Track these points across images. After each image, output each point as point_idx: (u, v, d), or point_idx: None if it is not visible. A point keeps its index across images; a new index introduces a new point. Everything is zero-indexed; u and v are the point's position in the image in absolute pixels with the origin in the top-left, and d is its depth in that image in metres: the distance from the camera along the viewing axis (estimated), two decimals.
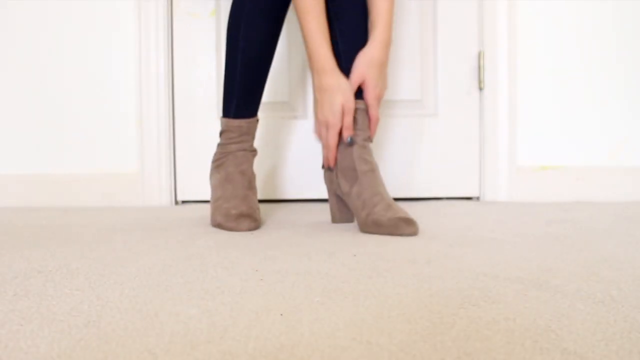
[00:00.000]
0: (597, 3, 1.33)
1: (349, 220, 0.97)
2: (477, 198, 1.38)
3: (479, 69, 1.36)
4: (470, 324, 0.42)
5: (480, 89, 1.37)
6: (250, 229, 0.89)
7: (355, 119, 0.91)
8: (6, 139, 1.35)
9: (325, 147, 0.91)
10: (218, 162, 0.98)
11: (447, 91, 1.37)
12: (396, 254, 0.69)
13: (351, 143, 0.90)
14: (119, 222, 1.01)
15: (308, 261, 0.65)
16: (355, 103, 0.90)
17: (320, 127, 0.91)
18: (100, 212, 1.19)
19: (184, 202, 1.37)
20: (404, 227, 0.83)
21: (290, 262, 0.65)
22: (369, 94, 0.91)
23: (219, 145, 0.99)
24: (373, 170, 0.90)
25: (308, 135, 1.37)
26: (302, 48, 1.35)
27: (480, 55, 1.36)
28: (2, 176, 1.34)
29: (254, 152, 1.00)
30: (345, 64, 0.92)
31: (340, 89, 0.88)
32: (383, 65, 0.92)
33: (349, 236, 0.84)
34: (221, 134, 0.99)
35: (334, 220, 0.97)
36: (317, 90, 0.91)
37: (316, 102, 0.91)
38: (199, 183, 1.35)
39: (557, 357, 0.35)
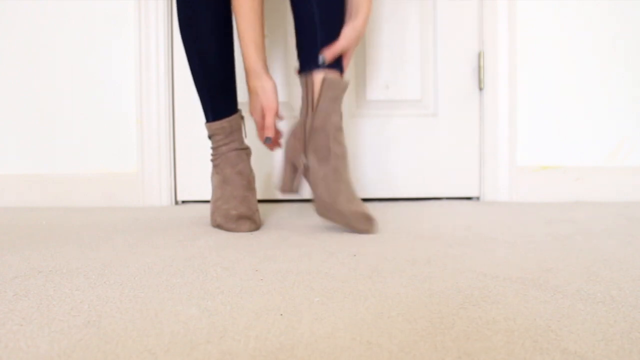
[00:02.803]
0: (597, 3, 1.33)
1: (296, 191, 0.95)
2: (477, 198, 1.38)
3: (479, 69, 1.36)
4: (470, 324, 0.42)
5: (480, 89, 1.37)
6: (250, 230, 0.89)
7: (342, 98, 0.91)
8: (6, 139, 1.35)
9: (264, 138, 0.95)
10: (215, 163, 0.98)
11: (447, 91, 1.37)
12: (396, 254, 0.69)
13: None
14: (119, 222, 1.01)
15: (308, 261, 0.65)
16: (330, 72, 0.89)
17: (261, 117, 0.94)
18: (100, 212, 1.19)
19: (184, 202, 1.37)
20: (363, 222, 0.85)
21: (290, 262, 0.65)
22: (347, 59, 0.93)
23: (211, 148, 0.99)
24: (344, 156, 0.89)
25: None
26: None
27: (480, 55, 1.36)
28: (2, 176, 1.34)
29: (246, 149, 0.98)
30: (322, 43, 0.90)
31: (262, 90, 0.90)
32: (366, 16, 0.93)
33: (349, 236, 0.84)
34: (210, 138, 0.99)
35: (284, 189, 0.94)
36: (250, 88, 0.93)
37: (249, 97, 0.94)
38: (199, 183, 1.35)
39: (557, 357, 0.35)
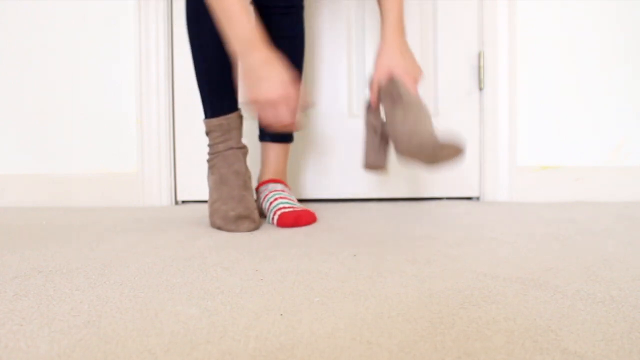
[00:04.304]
0: (597, 3, 1.33)
1: (381, 165, 0.89)
2: (477, 198, 1.38)
3: (479, 69, 1.36)
4: (470, 324, 0.42)
5: (480, 89, 1.37)
6: (249, 230, 0.89)
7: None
8: (6, 139, 1.35)
9: (281, 125, 0.80)
10: (211, 164, 0.98)
11: (447, 91, 1.37)
12: (396, 254, 0.69)
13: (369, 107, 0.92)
14: (119, 222, 1.01)
15: (308, 261, 0.65)
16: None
17: (265, 109, 0.78)
18: (100, 212, 1.19)
19: (184, 202, 1.37)
20: (448, 149, 0.74)
21: (290, 262, 0.65)
22: (406, 79, 0.86)
23: (208, 146, 0.99)
24: (419, 98, 0.84)
25: (307, 134, 1.37)
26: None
27: (480, 55, 1.36)
28: (2, 176, 1.34)
29: (243, 149, 0.98)
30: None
31: (276, 59, 0.78)
32: (403, 53, 0.89)
33: (349, 236, 0.84)
34: (207, 135, 0.99)
35: (367, 163, 0.89)
36: (248, 69, 0.78)
37: (249, 83, 0.78)
38: (199, 183, 1.35)
39: (557, 357, 0.35)
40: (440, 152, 0.74)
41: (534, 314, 0.44)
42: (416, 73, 0.90)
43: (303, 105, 0.81)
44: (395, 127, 0.81)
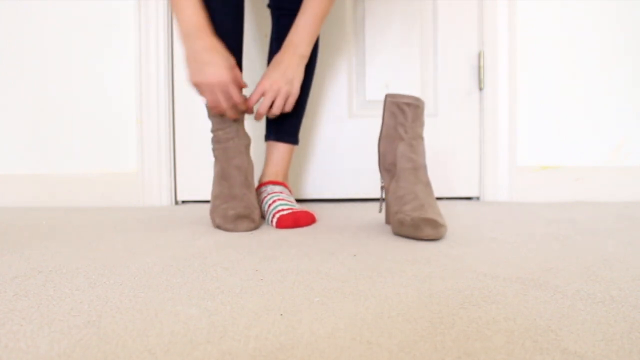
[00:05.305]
0: (597, 3, 1.33)
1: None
2: (477, 198, 1.38)
3: (479, 69, 1.36)
4: (470, 324, 0.42)
5: (480, 89, 1.37)
6: (248, 230, 0.89)
7: (405, 113, 0.87)
8: (6, 139, 1.35)
9: (228, 108, 0.90)
10: (214, 154, 0.97)
11: (447, 91, 1.37)
12: (396, 254, 0.69)
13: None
14: (119, 222, 1.01)
15: (308, 261, 0.65)
16: (409, 98, 0.88)
17: (212, 94, 0.88)
18: (100, 212, 1.19)
19: (184, 202, 1.37)
20: (423, 228, 0.78)
21: (290, 262, 0.65)
22: (261, 82, 0.94)
23: (211, 132, 0.98)
24: (416, 168, 0.85)
25: (307, 135, 1.37)
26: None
27: (480, 55, 1.36)
28: (2, 176, 1.34)
29: (245, 139, 0.96)
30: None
31: (217, 47, 0.87)
32: (287, 67, 0.94)
33: (349, 236, 0.83)
34: (209, 118, 0.98)
35: (387, 221, 0.94)
36: (191, 56, 0.87)
37: (194, 67, 0.87)
38: (199, 183, 1.35)
39: (557, 357, 0.35)
40: (420, 232, 0.78)
41: (534, 314, 0.44)
42: (282, 86, 0.93)
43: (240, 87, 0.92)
44: (388, 198, 0.90)
